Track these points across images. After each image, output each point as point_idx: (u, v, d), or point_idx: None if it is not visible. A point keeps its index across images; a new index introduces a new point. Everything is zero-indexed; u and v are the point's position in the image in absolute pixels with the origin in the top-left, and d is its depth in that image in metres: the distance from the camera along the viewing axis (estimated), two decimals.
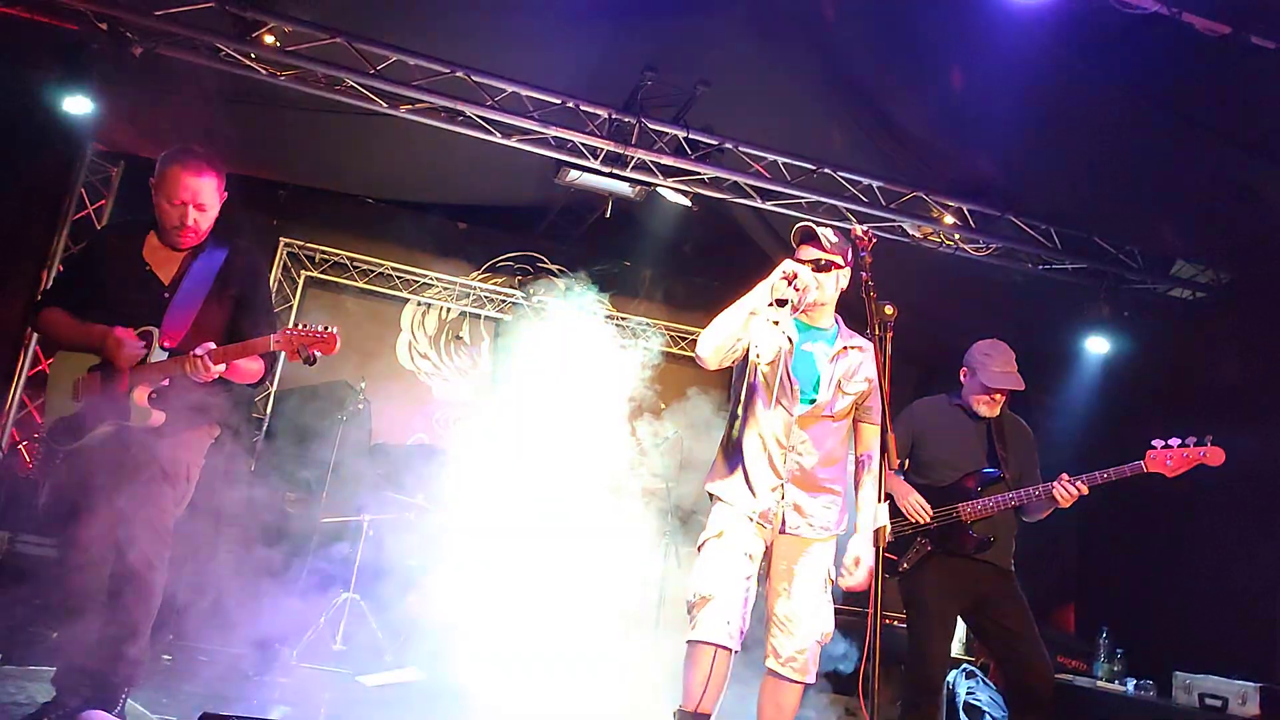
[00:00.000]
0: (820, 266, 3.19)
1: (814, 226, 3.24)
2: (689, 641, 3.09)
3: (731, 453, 3.25)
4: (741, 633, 3.07)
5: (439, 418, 8.33)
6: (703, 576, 3.12)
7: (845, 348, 3.27)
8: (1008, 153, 5.68)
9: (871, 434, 3.26)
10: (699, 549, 3.23)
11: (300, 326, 3.04)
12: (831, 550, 3.24)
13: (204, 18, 5.06)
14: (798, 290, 3.03)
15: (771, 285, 3.03)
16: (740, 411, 3.23)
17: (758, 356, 3.17)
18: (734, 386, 3.31)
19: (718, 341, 3.12)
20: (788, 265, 3.06)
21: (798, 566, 3.17)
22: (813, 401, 3.18)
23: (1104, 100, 4.77)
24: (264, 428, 7.57)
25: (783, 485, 3.14)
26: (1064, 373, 6.59)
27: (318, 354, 3.01)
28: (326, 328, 3.05)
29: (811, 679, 3.16)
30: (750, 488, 3.15)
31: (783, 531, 3.14)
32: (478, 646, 5.08)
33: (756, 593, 3.17)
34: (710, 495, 3.30)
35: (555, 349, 6.05)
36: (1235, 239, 5.57)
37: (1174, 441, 3.57)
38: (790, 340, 3.19)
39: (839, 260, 3.23)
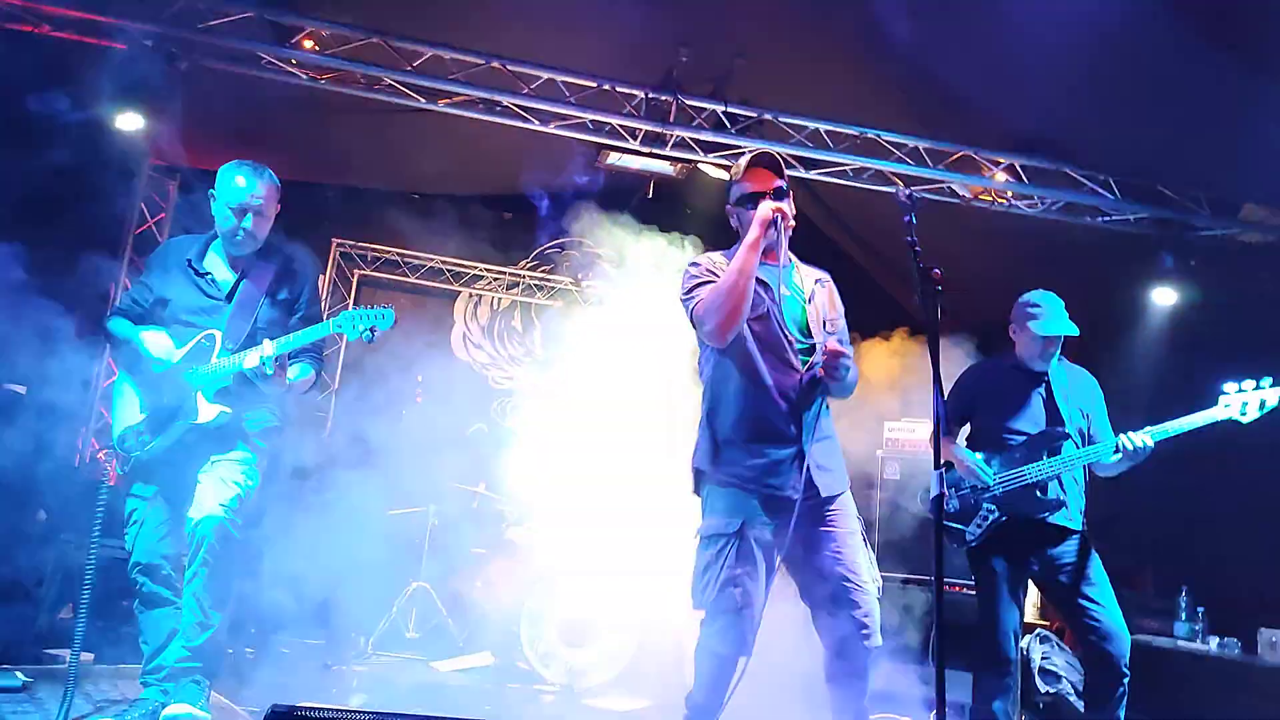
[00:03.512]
0: (784, 194, 2.85)
1: (766, 150, 2.95)
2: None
3: (727, 425, 2.87)
4: (753, 631, 2.76)
5: (496, 406, 8.45)
6: (711, 587, 2.75)
7: (815, 282, 3.01)
8: (1060, 101, 5.48)
9: None
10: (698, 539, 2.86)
11: (356, 307, 3.32)
12: (851, 499, 2.92)
13: (245, 28, 5.18)
14: (785, 231, 2.80)
15: (760, 235, 2.75)
16: (731, 376, 2.87)
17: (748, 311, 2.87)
18: (707, 353, 2.98)
19: (726, 315, 2.76)
20: (768, 207, 2.76)
21: (833, 526, 2.82)
22: (811, 348, 2.86)
23: (1160, 39, 4.57)
24: (327, 425, 7.77)
25: (801, 447, 2.78)
26: (1131, 328, 6.38)
27: (376, 330, 3.21)
28: (381, 307, 3.28)
29: (880, 641, 2.83)
30: (765, 458, 2.79)
31: (808, 497, 2.77)
32: (548, 629, 5.15)
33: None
34: (699, 474, 2.92)
35: (610, 330, 6.05)
36: None
37: (1247, 385, 3.42)
38: (768, 286, 2.89)
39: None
